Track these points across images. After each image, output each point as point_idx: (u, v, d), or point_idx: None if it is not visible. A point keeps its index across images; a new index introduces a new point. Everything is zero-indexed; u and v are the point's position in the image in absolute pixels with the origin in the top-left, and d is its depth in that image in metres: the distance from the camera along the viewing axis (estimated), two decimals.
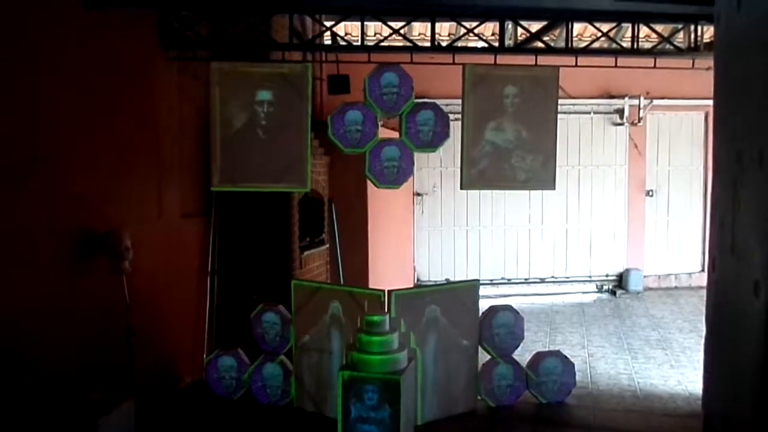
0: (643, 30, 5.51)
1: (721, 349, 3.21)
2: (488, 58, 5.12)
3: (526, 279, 9.51)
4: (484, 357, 4.67)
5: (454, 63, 5.10)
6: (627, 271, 9.41)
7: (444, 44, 5.58)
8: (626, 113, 9.28)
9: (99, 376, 3.97)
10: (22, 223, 3.58)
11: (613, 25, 5.50)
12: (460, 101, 4.80)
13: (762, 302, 2.55)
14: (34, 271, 3.65)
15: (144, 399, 4.07)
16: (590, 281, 9.55)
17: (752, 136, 2.74)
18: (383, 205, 7.68)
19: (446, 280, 9.05)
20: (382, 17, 5.31)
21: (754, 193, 2.70)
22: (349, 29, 8.33)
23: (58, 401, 3.37)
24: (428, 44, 5.25)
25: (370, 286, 6.52)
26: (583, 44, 6.40)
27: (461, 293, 4.59)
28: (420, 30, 8.55)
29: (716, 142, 3.36)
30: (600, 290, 9.48)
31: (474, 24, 5.49)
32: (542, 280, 9.51)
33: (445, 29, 8.66)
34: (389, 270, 8.01)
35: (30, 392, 3.26)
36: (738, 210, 2.86)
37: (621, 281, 9.48)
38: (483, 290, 4.93)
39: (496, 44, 5.26)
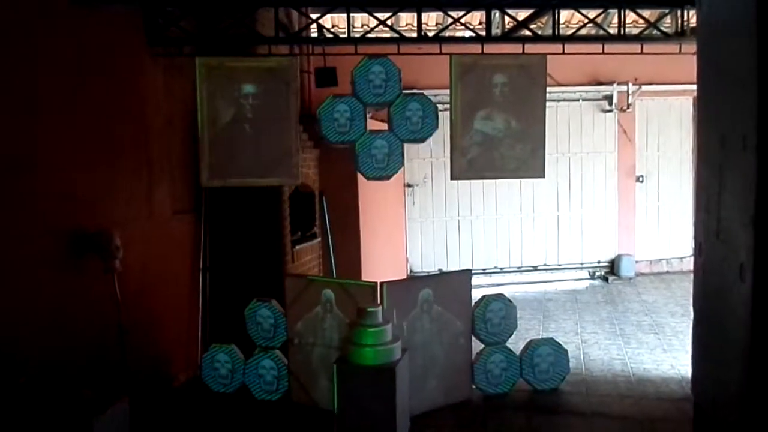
0: (630, 16, 5.51)
1: (708, 333, 3.24)
2: (476, 48, 5.11)
3: (518, 267, 9.54)
4: (477, 346, 4.70)
5: (441, 53, 5.09)
6: (619, 257, 9.45)
7: (431, 34, 5.56)
8: (615, 100, 9.29)
9: (92, 375, 3.96)
10: (12, 223, 3.56)
11: (600, 11, 5.49)
12: (448, 91, 4.80)
13: (747, 285, 2.58)
14: (25, 271, 3.63)
15: (138, 397, 4.07)
16: (582, 268, 9.59)
17: (735, 120, 2.76)
18: (374, 197, 7.68)
19: (439, 270, 9.07)
20: (368, 8, 5.28)
21: (738, 177, 2.72)
22: (335, 21, 8.29)
23: (51, 401, 3.36)
24: (415, 35, 5.23)
25: (363, 278, 6.53)
26: (570, 31, 6.40)
27: (454, 283, 4.62)
28: (407, 20, 8.53)
29: (700, 127, 3.38)
30: (592, 277, 9.53)
31: (461, 13, 5.47)
32: (535, 268, 9.55)
33: (432, 19, 8.64)
34: (382, 262, 8.02)
35: (23, 393, 3.26)
36: (723, 194, 2.88)
37: (613, 267, 9.52)
38: (476, 279, 4.96)
39: (483, 33, 5.25)
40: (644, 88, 9.17)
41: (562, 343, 4.89)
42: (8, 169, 3.53)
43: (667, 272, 9.58)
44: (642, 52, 5.44)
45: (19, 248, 3.59)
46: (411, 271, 9.27)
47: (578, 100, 9.40)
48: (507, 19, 6.11)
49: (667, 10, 5.50)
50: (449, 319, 4.50)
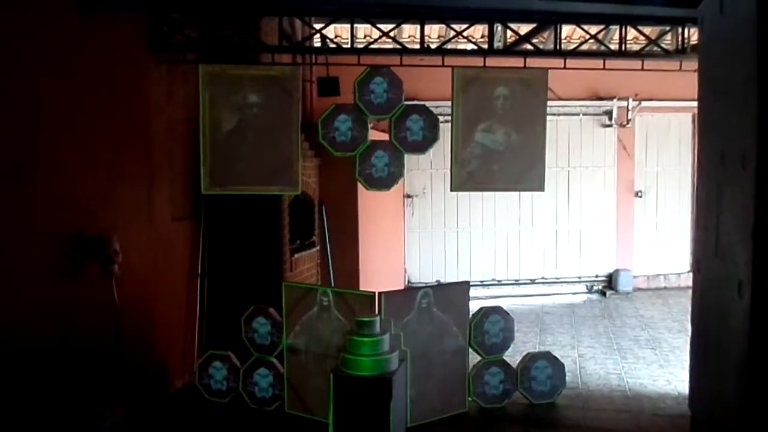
0: (631, 32, 5.55)
1: (706, 349, 3.24)
2: (477, 60, 5.14)
3: (516, 280, 9.55)
4: (474, 358, 4.70)
5: (443, 65, 5.12)
6: (616, 271, 9.46)
7: (433, 46, 5.60)
8: (615, 115, 9.33)
9: (89, 379, 3.95)
10: (12, 227, 3.56)
11: (602, 27, 5.53)
12: (450, 103, 4.83)
13: (746, 302, 2.59)
14: (23, 274, 3.62)
15: (134, 403, 4.06)
16: (580, 282, 9.59)
17: (735, 138, 2.78)
18: (374, 207, 7.69)
19: (437, 281, 9.06)
20: (372, 20, 5.32)
21: (737, 194, 2.74)
22: (338, 31, 8.34)
23: (47, 406, 3.35)
24: (418, 47, 5.26)
25: (361, 288, 6.52)
26: (571, 46, 6.44)
27: (452, 294, 4.62)
28: (410, 32, 8.57)
29: (700, 144, 3.40)
30: (590, 291, 9.53)
31: (463, 26, 5.51)
32: (532, 281, 9.55)
33: (434, 31, 8.69)
34: (380, 272, 8.02)
35: (20, 396, 3.25)
36: (722, 212, 2.89)
37: (611, 282, 9.53)
38: (473, 291, 4.96)
39: (486, 46, 5.28)
40: (644, 103, 9.23)
41: (558, 357, 4.89)
42: (9, 172, 3.54)
43: (665, 288, 9.59)
44: (643, 69, 5.48)
45: (18, 251, 3.59)
46: (409, 282, 9.27)
47: (578, 114, 9.45)
48: (509, 33, 6.14)
49: (668, 28, 5.54)
50: (446, 329, 4.50)
